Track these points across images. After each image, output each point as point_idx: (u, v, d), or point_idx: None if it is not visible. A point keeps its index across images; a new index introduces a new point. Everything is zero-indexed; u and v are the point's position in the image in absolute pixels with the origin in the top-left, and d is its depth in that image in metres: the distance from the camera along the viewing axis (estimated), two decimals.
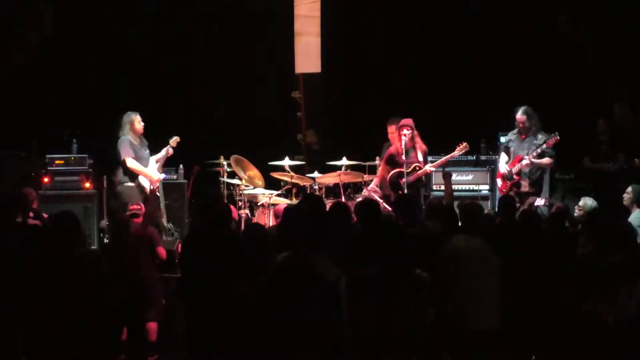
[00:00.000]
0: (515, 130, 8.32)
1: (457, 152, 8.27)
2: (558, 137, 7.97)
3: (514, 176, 8.14)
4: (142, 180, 8.17)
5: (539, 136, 8.09)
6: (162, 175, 8.48)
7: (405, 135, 8.04)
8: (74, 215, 4.86)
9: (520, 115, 8.14)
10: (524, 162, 8.05)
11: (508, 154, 8.35)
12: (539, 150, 8.02)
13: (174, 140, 8.43)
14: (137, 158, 8.15)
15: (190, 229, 6.10)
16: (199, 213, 5.94)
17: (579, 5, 9.83)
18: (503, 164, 8.33)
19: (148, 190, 8.10)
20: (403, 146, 7.98)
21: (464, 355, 4.74)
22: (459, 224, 5.45)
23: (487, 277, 4.84)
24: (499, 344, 4.83)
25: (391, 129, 8.66)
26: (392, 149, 8.25)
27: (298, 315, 4.04)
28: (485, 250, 4.93)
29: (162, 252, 6.60)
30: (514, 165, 8.15)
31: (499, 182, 8.39)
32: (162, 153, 8.42)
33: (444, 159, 8.30)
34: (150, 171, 8.21)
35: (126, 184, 8.17)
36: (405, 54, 10.56)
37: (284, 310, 4.06)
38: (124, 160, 8.11)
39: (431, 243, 5.10)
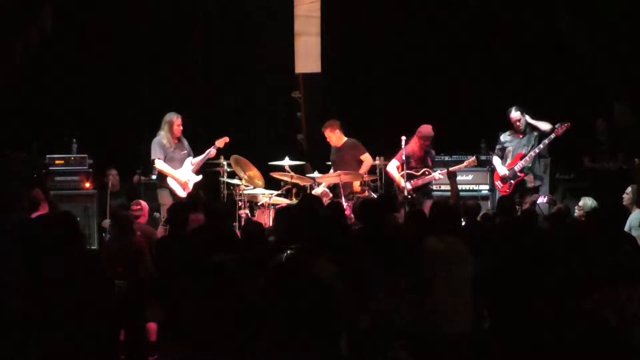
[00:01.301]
0: (509, 132, 8.36)
1: (463, 166, 8.35)
2: (569, 124, 7.95)
3: (518, 174, 8.17)
4: (171, 182, 8.24)
5: (534, 133, 8.15)
6: (197, 177, 8.42)
7: (424, 142, 8.32)
8: (73, 215, 4.86)
9: (515, 114, 8.18)
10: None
11: (502, 156, 8.38)
12: (546, 142, 8.04)
13: (221, 141, 8.45)
14: (168, 159, 8.22)
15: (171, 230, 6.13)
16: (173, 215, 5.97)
17: (579, 5, 9.83)
18: (501, 166, 8.35)
19: (177, 192, 8.15)
20: (404, 150, 8.13)
21: (441, 357, 4.73)
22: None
23: (463, 278, 4.82)
24: (479, 344, 4.81)
25: (327, 132, 8.84)
26: (408, 150, 8.37)
27: (296, 315, 4.04)
28: (461, 250, 4.90)
29: None
30: (516, 164, 8.18)
31: (499, 184, 8.40)
32: (203, 154, 8.42)
33: (452, 169, 8.37)
34: (178, 173, 8.23)
35: (162, 187, 8.31)
36: (405, 54, 10.56)
37: (281, 311, 4.06)
38: (152, 161, 8.24)
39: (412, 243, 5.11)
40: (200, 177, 8.49)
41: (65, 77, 10.14)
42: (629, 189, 7.23)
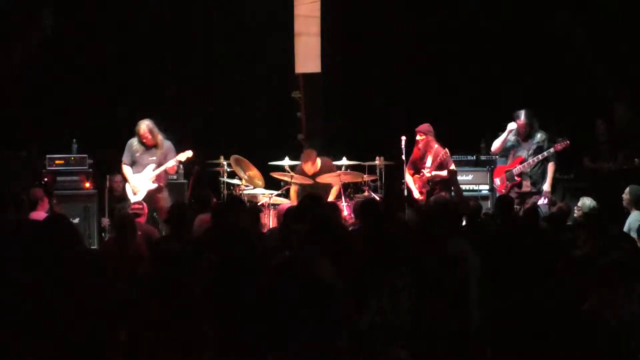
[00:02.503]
0: (514, 132, 8.36)
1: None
2: (568, 142, 8.02)
3: (515, 177, 8.18)
4: (127, 187, 8.29)
5: (538, 135, 8.15)
6: (151, 185, 8.24)
7: (418, 141, 8.26)
8: (66, 218, 4.87)
9: (523, 120, 8.18)
10: (526, 163, 8.11)
11: (507, 155, 8.38)
12: (545, 154, 8.09)
13: (183, 155, 8.29)
14: (134, 163, 8.23)
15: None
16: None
17: (578, 5, 9.84)
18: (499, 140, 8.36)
19: (129, 196, 8.21)
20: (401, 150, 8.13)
21: (441, 356, 4.72)
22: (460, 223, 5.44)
23: (467, 278, 4.82)
24: (480, 345, 4.81)
25: (307, 166, 8.68)
26: (413, 155, 8.43)
27: (294, 315, 4.04)
28: (465, 250, 4.90)
29: None
30: (515, 167, 8.18)
31: (497, 181, 8.41)
32: (163, 166, 8.24)
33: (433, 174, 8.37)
34: (134, 179, 8.21)
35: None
36: (405, 54, 10.56)
37: (281, 311, 4.07)
38: (120, 162, 8.27)
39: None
40: (155, 185, 8.27)
41: (65, 77, 10.14)
42: (628, 190, 7.22)
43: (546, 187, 8.17)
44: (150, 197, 8.14)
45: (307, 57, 10.52)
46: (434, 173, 8.20)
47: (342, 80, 10.72)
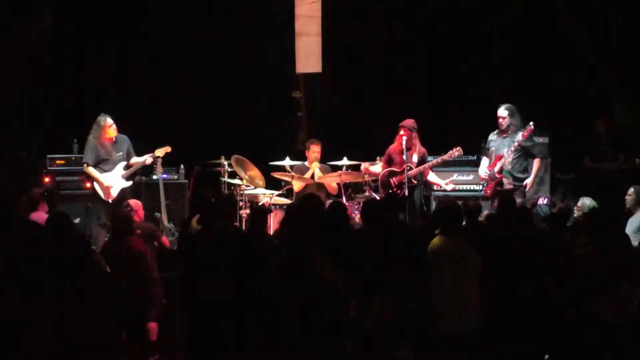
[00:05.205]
0: (497, 131, 8.29)
1: (447, 157, 8.27)
2: (532, 127, 7.94)
3: (496, 175, 8.07)
4: (96, 186, 8.18)
5: (519, 133, 8.04)
6: (126, 183, 8.23)
7: (405, 135, 8.10)
8: (66, 215, 4.87)
9: (502, 111, 8.12)
10: (504, 158, 8.03)
11: (489, 156, 8.32)
12: (515, 144, 7.99)
13: (162, 150, 8.30)
14: (102, 161, 8.13)
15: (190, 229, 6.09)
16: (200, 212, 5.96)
17: (579, 5, 9.83)
18: (483, 168, 8.29)
19: (102, 197, 8.11)
20: (404, 145, 8.05)
21: (444, 356, 4.73)
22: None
23: (468, 278, 4.81)
24: (482, 344, 4.81)
25: (319, 148, 8.85)
26: (390, 148, 8.35)
27: (297, 315, 4.04)
28: (465, 250, 4.89)
29: (165, 241, 6.83)
30: (495, 165, 8.09)
31: (482, 186, 8.38)
32: (140, 159, 8.26)
33: (433, 161, 8.33)
34: (103, 177, 8.12)
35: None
36: (405, 54, 10.56)
37: (282, 311, 4.07)
38: (84, 164, 8.15)
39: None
40: (129, 183, 8.28)
41: (65, 77, 10.13)
42: (631, 191, 7.17)
43: (529, 180, 8.08)
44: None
45: (308, 57, 10.53)
46: (415, 170, 8.15)
47: (342, 80, 10.72)
